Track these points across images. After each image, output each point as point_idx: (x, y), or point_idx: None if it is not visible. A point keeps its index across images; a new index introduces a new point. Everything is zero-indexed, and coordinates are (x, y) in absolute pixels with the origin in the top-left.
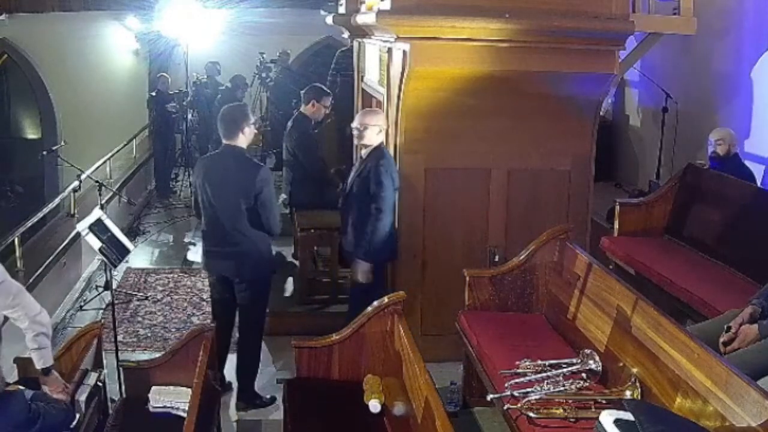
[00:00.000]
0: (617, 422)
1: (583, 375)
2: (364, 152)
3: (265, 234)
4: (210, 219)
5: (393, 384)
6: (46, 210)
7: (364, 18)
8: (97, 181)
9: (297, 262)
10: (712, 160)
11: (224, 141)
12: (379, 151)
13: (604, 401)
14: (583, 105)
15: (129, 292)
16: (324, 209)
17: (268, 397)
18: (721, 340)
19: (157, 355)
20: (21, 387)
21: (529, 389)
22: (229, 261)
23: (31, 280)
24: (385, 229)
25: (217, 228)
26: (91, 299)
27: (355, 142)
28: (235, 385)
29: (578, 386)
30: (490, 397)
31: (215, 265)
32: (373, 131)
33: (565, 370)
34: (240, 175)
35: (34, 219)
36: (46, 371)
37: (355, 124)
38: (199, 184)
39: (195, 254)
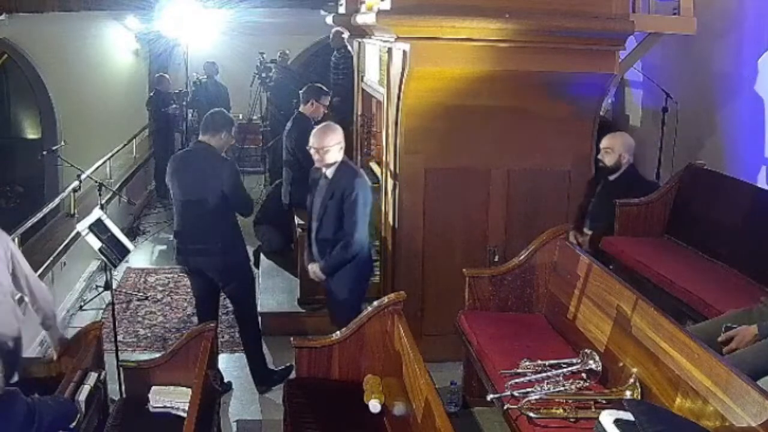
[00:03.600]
0: (617, 422)
1: (583, 375)
2: (329, 171)
3: (236, 226)
4: (182, 215)
5: (393, 384)
6: (46, 210)
7: (364, 18)
8: (97, 181)
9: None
10: (597, 171)
11: (201, 136)
12: (348, 170)
13: (604, 401)
14: (583, 105)
15: (129, 292)
16: None
17: (284, 366)
18: (719, 339)
19: (157, 355)
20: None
21: (529, 389)
22: (205, 257)
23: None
24: (361, 250)
25: (188, 224)
26: (91, 299)
27: (317, 164)
28: (239, 381)
29: (578, 386)
30: (490, 397)
31: (191, 261)
32: (335, 150)
33: (565, 370)
34: (209, 172)
35: (34, 219)
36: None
37: (314, 146)
38: (169, 180)
39: None
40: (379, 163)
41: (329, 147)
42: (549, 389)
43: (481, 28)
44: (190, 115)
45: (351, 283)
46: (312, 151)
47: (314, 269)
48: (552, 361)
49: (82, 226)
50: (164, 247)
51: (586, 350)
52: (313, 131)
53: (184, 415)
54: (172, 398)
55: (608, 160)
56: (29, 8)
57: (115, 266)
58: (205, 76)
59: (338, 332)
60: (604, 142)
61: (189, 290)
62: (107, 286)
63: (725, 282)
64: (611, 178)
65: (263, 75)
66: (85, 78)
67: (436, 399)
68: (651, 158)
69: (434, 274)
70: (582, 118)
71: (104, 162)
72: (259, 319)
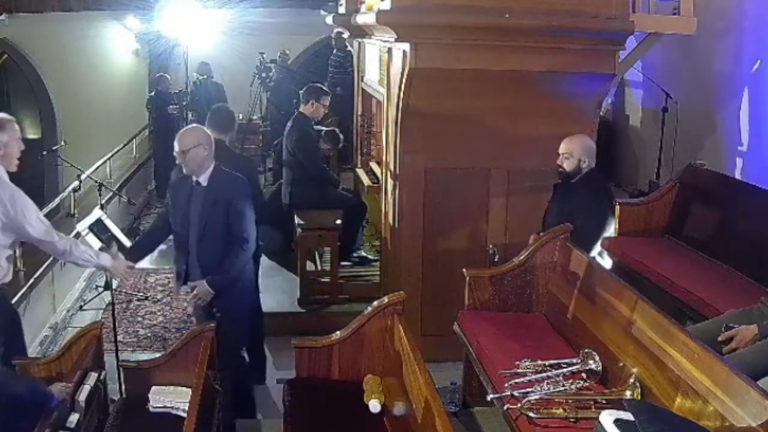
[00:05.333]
0: (617, 422)
1: (583, 375)
2: (202, 178)
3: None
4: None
5: (393, 384)
6: (46, 210)
7: (364, 18)
8: (97, 181)
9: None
10: (559, 175)
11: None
12: (226, 174)
13: (604, 401)
14: (583, 105)
15: (129, 292)
16: (324, 209)
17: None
18: (719, 339)
19: (157, 355)
20: None
21: (529, 389)
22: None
23: (31, 281)
24: (249, 258)
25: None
26: (91, 299)
27: (186, 170)
28: None
29: (578, 386)
30: (490, 397)
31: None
32: (198, 151)
33: (565, 370)
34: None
35: None
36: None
37: (175, 150)
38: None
39: None
40: (379, 163)
41: (189, 148)
42: (549, 389)
43: (481, 28)
44: (190, 115)
45: (240, 302)
46: (176, 156)
47: (198, 290)
48: (552, 361)
49: (82, 226)
50: (164, 247)
51: (586, 350)
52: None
53: (184, 415)
54: (172, 398)
55: (567, 165)
56: (29, 8)
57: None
58: (205, 76)
59: (338, 332)
60: (562, 147)
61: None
62: (107, 286)
63: (725, 282)
64: (572, 182)
65: (263, 75)
66: (85, 78)
67: (436, 399)
68: (651, 158)
69: (434, 274)
70: (582, 118)
71: (104, 162)
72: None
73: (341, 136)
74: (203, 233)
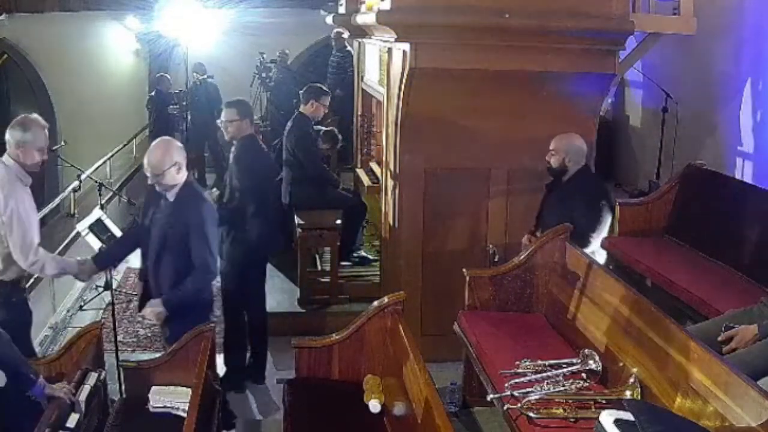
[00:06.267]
0: (617, 422)
1: (583, 375)
2: (170, 194)
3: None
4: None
5: (393, 384)
6: (46, 210)
7: (364, 18)
8: (97, 181)
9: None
10: (548, 171)
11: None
12: (193, 194)
13: (604, 401)
14: (583, 105)
15: (129, 292)
16: (324, 209)
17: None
18: (719, 339)
19: (157, 355)
20: None
21: (529, 389)
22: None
23: (31, 281)
24: (205, 286)
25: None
26: (91, 299)
27: (158, 188)
28: None
29: (578, 386)
30: (490, 397)
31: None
32: (172, 172)
33: (565, 370)
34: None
35: None
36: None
37: (147, 169)
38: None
39: None
40: (379, 163)
41: (165, 170)
42: (549, 389)
43: (481, 28)
44: (189, 115)
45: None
46: (148, 176)
47: (152, 309)
48: (552, 361)
49: (82, 226)
50: None
51: (586, 350)
52: (149, 149)
53: (184, 415)
54: (172, 398)
55: (553, 161)
56: (29, 8)
57: (116, 266)
58: (205, 76)
59: (338, 332)
60: (552, 144)
61: None
62: (107, 286)
63: (725, 282)
64: (563, 180)
65: (263, 75)
66: (85, 78)
67: (436, 399)
68: (651, 158)
69: (434, 274)
70: (582, 118)
71: (104, 162)
72: None
73: (340, 136)
74: (160, 251)
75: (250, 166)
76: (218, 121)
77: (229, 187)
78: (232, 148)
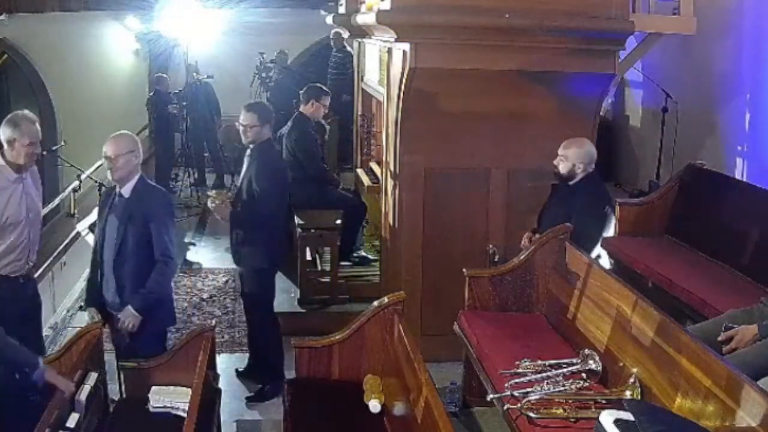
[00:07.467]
0: (617, 422)
1: (583, 375)
2: (125, 189)
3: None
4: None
5: (393, 384)
6: (46, 210)
7: (364, 18)
8: (97, 181)
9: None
10: (555, 176)
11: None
12: (149, 188)
13: (604, 401)
14: (583, 105)
15: None
16: (324, 209)
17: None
18: (719, 339)
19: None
20: None
21: (529, 389)
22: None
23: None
24: (172, 276)
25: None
26: None
27: (111, 178)
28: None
29: (578, 386)
30: (490, 397)
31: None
32: (129, 158)
33: (565, 370)
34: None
35: None
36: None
37: (104, 155)
38: None
39: (195, 254)
40: (379, 163)
41: (122, 153)
42: (549, 389)
43: (481, 28)
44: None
45: (160, 323)
46: (104, 161)
47: (124, 316)
48: (552, 361)
49: (82, 226)
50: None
51: (586, 350)
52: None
53: (184, 415)
54: (172, 398)
55: (562, 167)
56: (29, 8)
57: None
58: (205, 76)
59: (338, 332)
60: (561, 149)
61: (189, 290)
62: None
63: (725, 282)
64: (571, 184)
65: (263, 75)
66: (85, 78)
67: (436, 399)
68: (651, 158)
69: (434, 274)
70: (582, 118)
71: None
72: None
73: (327, 126)
74: (118, 251)
75: (270, 171)
76: (235, 123)
77: (245, 191)
78: (248, 152)
